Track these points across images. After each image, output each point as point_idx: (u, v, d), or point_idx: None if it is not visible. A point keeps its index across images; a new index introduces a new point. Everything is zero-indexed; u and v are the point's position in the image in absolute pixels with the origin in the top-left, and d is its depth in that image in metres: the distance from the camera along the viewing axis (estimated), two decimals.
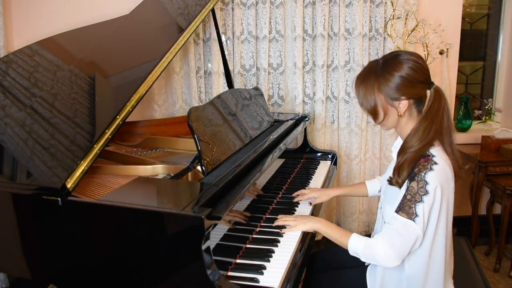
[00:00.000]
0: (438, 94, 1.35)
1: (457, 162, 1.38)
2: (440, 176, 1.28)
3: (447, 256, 1.39)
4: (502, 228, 2.66)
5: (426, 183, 1.27)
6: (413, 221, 1.27)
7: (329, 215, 3.03)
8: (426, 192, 1.26)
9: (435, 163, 1.29)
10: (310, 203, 1.80)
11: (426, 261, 1.35)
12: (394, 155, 1.46)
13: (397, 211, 1.30)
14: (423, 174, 1.28)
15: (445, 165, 1.31)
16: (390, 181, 1.37)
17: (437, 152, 1.32)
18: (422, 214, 1.27)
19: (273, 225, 1.56)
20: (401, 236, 1.29)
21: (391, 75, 1.34)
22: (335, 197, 1.95)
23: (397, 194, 1.35)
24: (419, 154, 1.31)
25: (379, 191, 1.69)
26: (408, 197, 1.28)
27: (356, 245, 1.37)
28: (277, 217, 1.60)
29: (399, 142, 1.48)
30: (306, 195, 1.83)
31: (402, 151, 1.36)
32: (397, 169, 1.34)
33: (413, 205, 1.27)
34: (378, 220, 1.58)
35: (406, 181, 1.31)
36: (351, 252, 1.40)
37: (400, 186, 1.34)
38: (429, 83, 1.37)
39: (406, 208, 1.28)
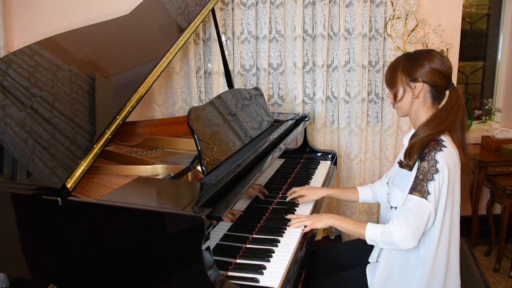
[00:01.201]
0: (457, 93, 1.45)
1: (466, 158, 1.43)
2: (448, 158, 1.35)
3: (452, 254, 1.42)
4: (502, 228, 2.66)
5: (436, 161, 1.33)
6: (426, 199, 1.33)
7: None
8: (437, 171, 1.33)
9: (444, 146, 1.36)
10: (298, 202, 1.81)
11: (434, 249, 1.38)
12: (406, 142, 1.51)
13: (410, 192, 1.36)
14: (433, 153, 1.34)
15: (453, 150, 1.38)
16: (401, 164, 1.43)
17: (446, 139, 1.39)
18: (433, 191, 1.33)
19: (290, 227, 1.57)
20: (415, 216, 1.34)
21: (419, 62, 1.45)
22: (335, 198, 1.95)
23: (406, 177, 1.41)
24: (429, 139, 1.38)
25: (386, 198, 1.69)
26: (420, 176, 1.35)
27: (373, 233, 1.42)
28: (287, 217, 1.62)
29: (411, 133, 1.52)
30: (296, 192, 1.83)
31: (413, 136, 1.44)
32: (408, 152, 1.40)
33: (425, 184, 1.33)
34: (386, 207, 1.60)
35: (417, 162, 1.37)
36: (369, 241, 1.44)
37: (410, 169, 1.39)
38: (449, 81, 1.46)
39: (418, 188, 1.34)
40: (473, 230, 2.94)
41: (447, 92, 1.47)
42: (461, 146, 1.43)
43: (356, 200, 1.85)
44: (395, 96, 1.51)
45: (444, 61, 1.45)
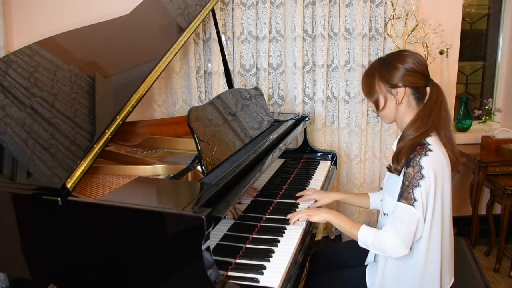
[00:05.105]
0: (437, 90, 1.43)
1: (454, 154, 1.43)
2: (433, 162, 1.33)
3: (444, 250, 1.41)
4: (502, 228, 2.66)
5: (421, 167, 1.32)
6: (413, 206, 1.32)
7: None
8: (422, 177, 1.32)
9: (430, 150, 1.34)
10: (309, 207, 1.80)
11: (424, 252, 1.37)
12: (394, 147, 1.50)
13: (398, 199, 1.35)
14: (418, 159, 1.33)
15: (440, 153, 1.37)
16: (390, 169, 1.42)
17: (433, 141, 1.38)
18: (420, 198, 1.32)
19: (291, 224, 1.56)
20: (404, 223, 1.33)
21: (393, 65, 1.44)
22: (345, 203, 1.95)
23: (396, 183, 1.40)
24: (416, 142, 1.37)
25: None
26: (406, 183, 1.34)
27: (366, 237, 1.41)
28: (287, 217, 1.60)
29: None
30: (308, 196, 1.82)
31: (400, 139, 1.43)
32: (396, 156, 1.40)
33: (411, 190, 1.32)
34: (380, 213, 1.60)
35: (403, 168, 1.36)
36: (361, 244, 1.43)
37: (399, 173, 1.39)
38: (428, 79, 1.45)
39: (405, 194, 1.33)
40: (473, 230, 2.94)
41: (428, 89, 1.45)
42: (449, 143, 1.42)
43: (367, 206, 1.81)
44: (376, 105, 1.49)
45: (418, 59, 1.44)
